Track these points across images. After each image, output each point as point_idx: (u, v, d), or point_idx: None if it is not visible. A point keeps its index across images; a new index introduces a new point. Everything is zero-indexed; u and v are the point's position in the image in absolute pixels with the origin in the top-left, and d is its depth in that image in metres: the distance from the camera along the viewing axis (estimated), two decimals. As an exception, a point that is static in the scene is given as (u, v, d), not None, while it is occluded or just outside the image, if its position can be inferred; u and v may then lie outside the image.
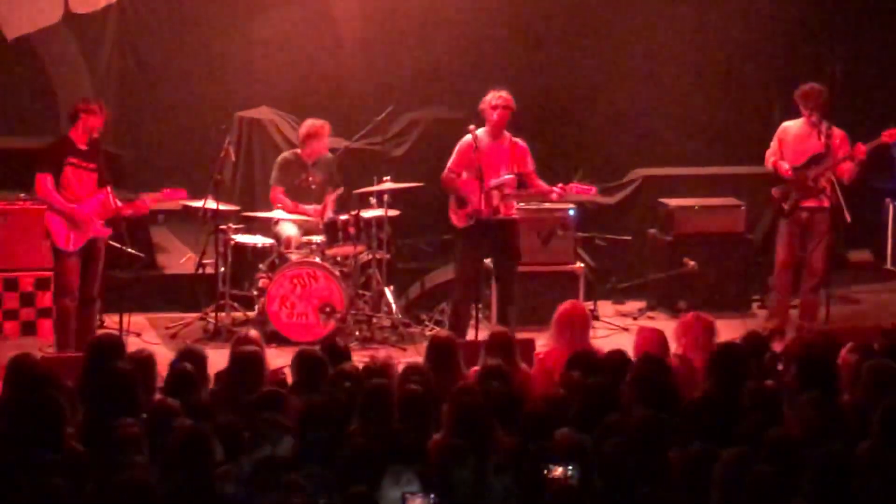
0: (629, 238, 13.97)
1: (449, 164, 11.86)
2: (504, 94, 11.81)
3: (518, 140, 11.91)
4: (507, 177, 11.73)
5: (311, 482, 6.52)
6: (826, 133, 12.02)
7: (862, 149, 11.98)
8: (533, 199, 12.57)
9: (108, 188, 11.28)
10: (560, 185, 11.93)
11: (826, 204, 12.09)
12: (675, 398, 7.86)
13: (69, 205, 11.10)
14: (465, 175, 11.72)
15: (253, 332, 8.91)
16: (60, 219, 11.11)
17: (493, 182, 11.67)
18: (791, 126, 12.36)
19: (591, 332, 9.64)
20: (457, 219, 11.81)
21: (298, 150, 12.75)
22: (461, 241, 11.88)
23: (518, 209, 12.34)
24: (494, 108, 11.76)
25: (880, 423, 7.15)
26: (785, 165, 12.18)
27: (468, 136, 11.73)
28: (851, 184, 12.19)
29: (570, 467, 6.57)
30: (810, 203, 12.18)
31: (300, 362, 8.33)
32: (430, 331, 12.14)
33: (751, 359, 8.57)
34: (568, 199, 12.51)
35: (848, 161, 12.02)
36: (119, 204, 11.27)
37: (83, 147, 11.19)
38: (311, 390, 7.86)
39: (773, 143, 12.38)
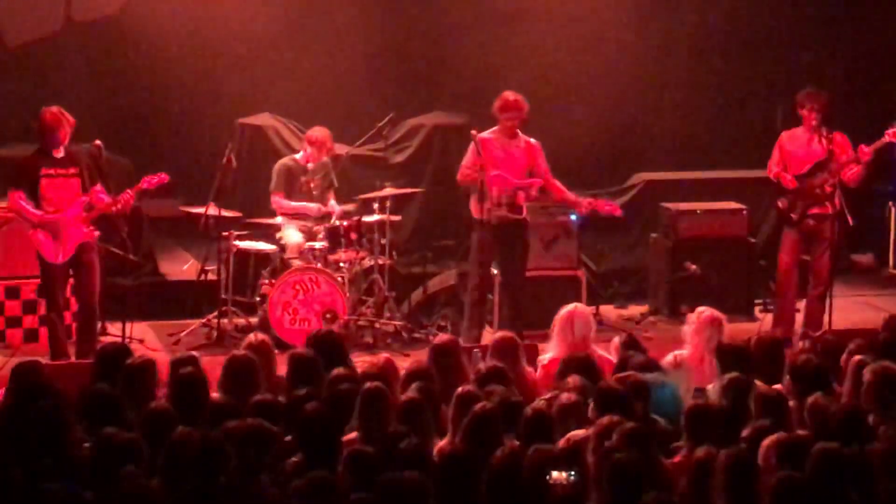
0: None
1: (464, 161, 11.91)
2: (511, 96, 11.85)
3: (532, 140, 11.97)
4: (532, 179, 11.85)
5: (312, 489, 6.52)
6: (827, 138, 11.96)
7: (866, 150, 11.90)
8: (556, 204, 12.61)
9: (97, 187, 11.21)
10: (590, 199, 12.00)
11: (830, 211, 12.03)
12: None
13: (45, 216, 11.03)
14: (493, 172, 11.75)
15: (262, 336, 8.93)
16: (44, 232, 11.06)
17: (519, 182, 11.77)
18: (791, 134, 12.28)
19: (595, 336, 9.60)
20: (476, 211, 11.82)
21: (296, 156, 12.74)
22: (479, 233, 11.87)
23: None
24: (502, 112, 11.81)
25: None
26: (788, 176, 12.13)
27: (482, 134, 11.86)
28: (858, 188, 12.14)
29: (572, 472, 6.56)
30: (816, 210, 12.11)
31: (293, 364, 8.35)
32: (433, 336, 12.14)
33: (763, 363, 8.60)
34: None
35: (853, 164, 11.94)
36: (108, 200, 11.17)
37: (58, 155, 11.13)
38: (307, 392, 7.84)
39: (775, 153, 12.28)
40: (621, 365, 8.61)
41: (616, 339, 9.27)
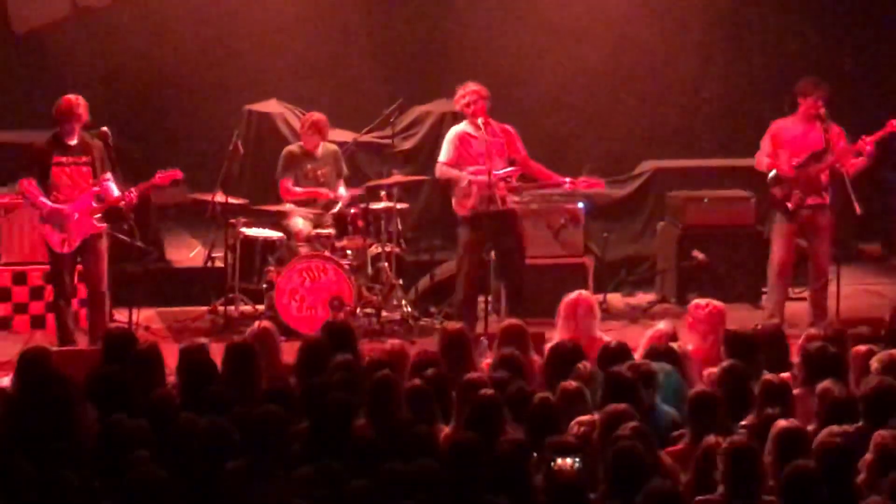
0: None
1: (442, 157, 11.90)
2: (472, 86, 11.81)
3: (507, 126, 11.95)
4: (510, 168, 11.79)
5: (320, 476, 6.53)
6: (825, 128, 11.89)
7: (867, 141, 11.80)
8: (541, 190, 12.57)
9: (106, 177, 11.20)
10: (570, 178, 11.97)
11: (827, 201, 11.98)
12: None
13: (54, 206, 11.03)
14: (469, 168, 11.71)
15: (265, 324, 8.94)
16: (51, 223, 11.05)
17: (498, 173, 11.71)
18: (785, 124, 12.17)
19: (598, 324, 9.60)
20: (460, 208, 11.82)
21: (302, 143, 12.72)
22: (465, 230, 11.88)
23: (529, 201, 12.40)
24: (468, 105, 11.81)
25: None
26: (784, 166, 12.02)
27: (456, 128, 11.84)
28: (864, 176, 12.09)
29: (577, 459, 6.57)
30: (813, 200, 12.04)
31: (302, 352, 8.37)
32: (440, 324, 12.14)
33: (766, 349, 8.60)
34: (576, 192, 12.51)
35: (850, 155, 11.85)
36: (118, 194, 11.16)
37: (71, 143, 11.11)
38: (315, 380, 7.85)
39: (766, 144, 12.11)
40: (605, 354, 8.53)
41: (663, 325, 9.23)
